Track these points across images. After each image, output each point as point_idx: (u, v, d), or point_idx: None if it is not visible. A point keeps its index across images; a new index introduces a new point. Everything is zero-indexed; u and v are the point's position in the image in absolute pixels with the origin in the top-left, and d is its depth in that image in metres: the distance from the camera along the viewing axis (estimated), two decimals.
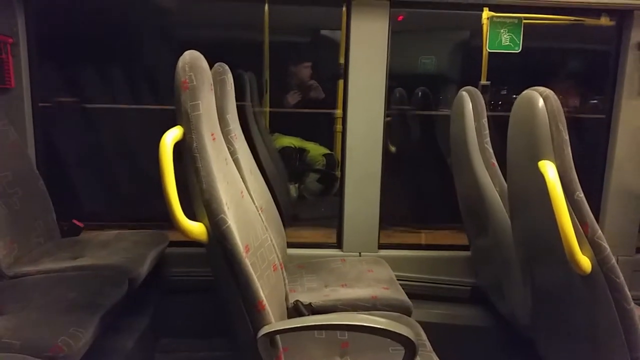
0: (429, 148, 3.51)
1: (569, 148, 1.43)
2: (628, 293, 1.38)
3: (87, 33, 3.17)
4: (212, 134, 1.38)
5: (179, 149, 1.27)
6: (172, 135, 1.23)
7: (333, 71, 3.15)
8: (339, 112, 3.23)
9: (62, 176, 3.06)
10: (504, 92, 3.56)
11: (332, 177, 3.58)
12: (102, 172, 3.37)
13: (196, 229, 1.28)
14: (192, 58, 1.28)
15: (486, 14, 2.55)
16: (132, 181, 3.40)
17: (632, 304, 1.39)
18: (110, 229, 2.51)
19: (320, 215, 3.27)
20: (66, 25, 2.99)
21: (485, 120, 2.15)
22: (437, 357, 1.60)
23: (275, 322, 1.29)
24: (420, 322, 1.82)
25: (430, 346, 1.67)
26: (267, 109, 3.61)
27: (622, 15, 2.44)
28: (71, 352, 1.47)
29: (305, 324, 1.33)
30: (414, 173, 3.56)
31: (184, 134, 1.25)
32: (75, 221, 2.51)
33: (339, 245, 2.57)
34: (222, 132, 1.73)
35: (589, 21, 2.76)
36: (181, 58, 1.28)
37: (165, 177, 1.22)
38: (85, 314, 1.64)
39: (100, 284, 1.85)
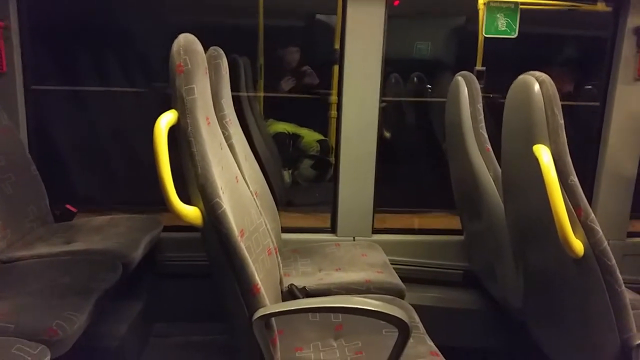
0: (425, 133, 3.52)
1: (564, 132, 1.44)
2: (619, 276, 1.40)
3: (78, 17, 3.13)
4: (207, 118, 1.37)
5: (174, 133, 1.27)
6: (166, 119, 1.22)
7: (328, 56, 3.13)
8: (333, 98, 3.21)
9: (55, 161, 3.03)
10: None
11: (326, 163, 3.57)
12: (96, 156, 3.35)
13: (191, 213, 1.28)
14: (186, 41, 1.27)
15: None
16: (127, 165, 3.38)
17: (623, 286, 1.40)
18: (104, 213, 2.50)
19: (314, 201, 3.28)
20: (57, 9, 2.94)
21: (480, 106, 2.15)
22: (429, 339, 1.61)
23: (270, 305, 1.30)
24: (413, 305, 1.84)
25: (424, 328, 1.69)
26: (261, 94, 3.59)
27: (619, 0, 2.43)
28: (65, 335, 1.48)
29: (300, 307, 1.34)
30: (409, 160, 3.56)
31: (179, 118, 1.24)
32: (68, 206, 2.50)
33: (333, 229, 2.58)
34: (217, 117, 1.72)
35: (586, 6, 2.76)
36: (176, 41, 1.26)
37: (160, 161, 1.21)
38: (79, 298, 1.64)
39: (94, 269, 1.85)
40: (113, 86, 3.36)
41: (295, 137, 3.75)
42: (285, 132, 3.71)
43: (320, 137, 3.73)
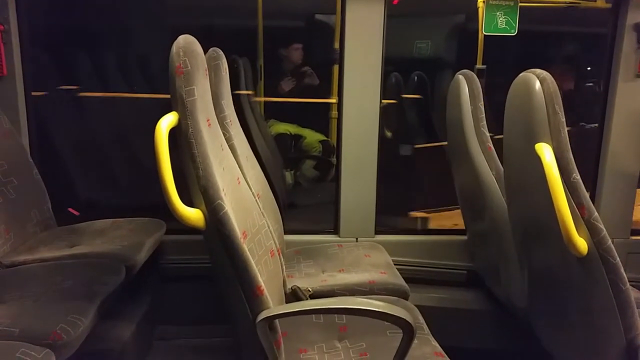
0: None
1: (566, 130, 1.43)
2: (624, 274, 1.39)
3: (77, 19, 3.13)
4: (208, 120, 1.37)
5: (175, 135, 1.26)
6: (167, 121, 1.22)
7: (328, 56, 3.13)
8: (334, 97, 3.21)
9: (57, 165, 3.03)
10: None
11: (328, 163, 3.57)
12: (99, 160, 3.35)
13: (193, 215, 1.28)
14: (186, 42, 1.27)
15: None
16: (129, 169, 3.37)
17: (628, 285, 1.40)
18: (106, 217, 2.49)
19: (316, 202, 3.27)
20: (57, 11, 2.94)
21: (481, 104, 2.15)
22: (434, 340, 1.61)
23: (273, 307, 1.30)
24: (417, 306, 1.83)
25: (428, 329, 1.68)
26: (262, 96, 3.59)
27: None
28: (70, 339, 1.48)
29: (304, 308, 1.34)
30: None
31: (180, 120, 1.24)
32: (70, 210, 2.50)
33: (335, 231, 2.57)
34: (218, 118, 1.72)
35: (585, 3, 2.75)
36: (175, 43, 1.26)
37: (161, 164, 1.21)
38: (83, 302, 1.64)
39: (98, 272, 1.85)
40: (113, 90, 3.36)
41: (297, 137, 3.75)
42: (288, 132, 3.71)
43: (323, 137, 3.73)
